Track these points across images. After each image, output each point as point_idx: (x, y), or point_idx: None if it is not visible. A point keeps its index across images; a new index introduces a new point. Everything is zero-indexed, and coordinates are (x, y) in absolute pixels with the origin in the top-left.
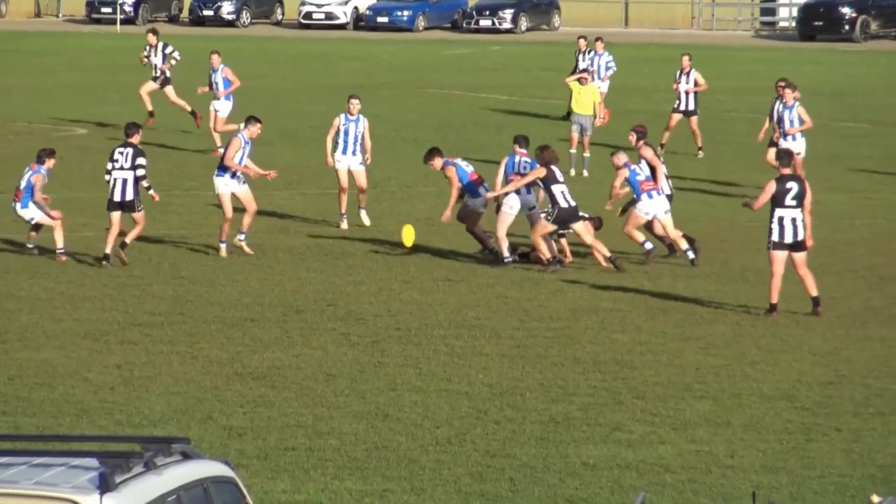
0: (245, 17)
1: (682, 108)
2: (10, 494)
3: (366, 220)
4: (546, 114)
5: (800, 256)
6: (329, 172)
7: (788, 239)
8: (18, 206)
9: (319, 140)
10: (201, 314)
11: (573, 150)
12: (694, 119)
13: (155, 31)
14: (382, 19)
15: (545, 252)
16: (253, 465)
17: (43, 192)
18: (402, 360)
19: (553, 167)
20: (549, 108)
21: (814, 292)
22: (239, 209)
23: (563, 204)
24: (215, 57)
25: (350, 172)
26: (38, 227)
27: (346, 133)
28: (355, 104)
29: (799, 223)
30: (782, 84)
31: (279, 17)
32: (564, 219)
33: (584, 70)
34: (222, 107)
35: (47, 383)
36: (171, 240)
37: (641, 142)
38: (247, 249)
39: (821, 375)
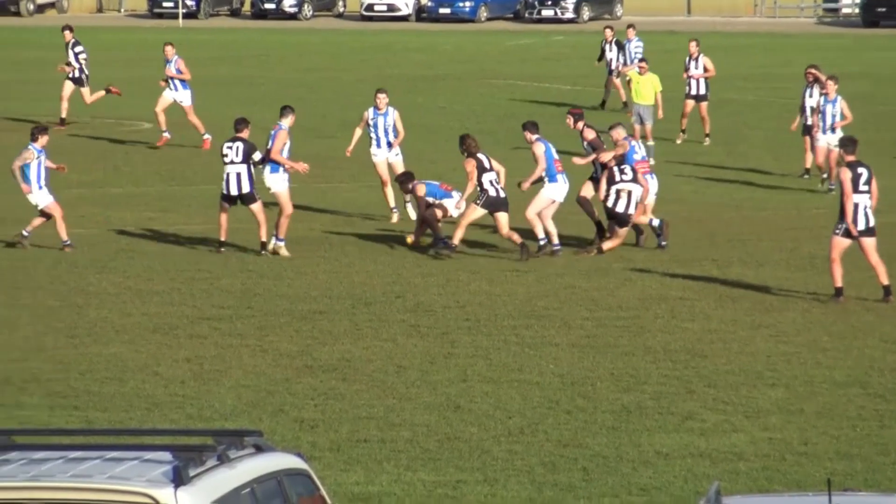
0: (307, 9)
1: (693, 93)
2: (84, 489)
3: (412, 214)
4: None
5: (870, 243)
6: (357, 162)
7: (861, 226)
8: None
9: None
10: (270, 307)
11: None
12: (704, 105)
13: (69, 28)
14: (444, 10)
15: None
16: (325, 458)
17: (46, 166)
18: (472, 351)
19: (480, 155)
20: (611, 98)
21: (885, 281)
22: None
23: (492, 192)
24: (168, 48)
25: (389, 165)
26: (46, 216)
27: (376, 127)
28: (382, 98)
29: (869, 210)
30: (812, 71)
31: (341, 10)
32: (492, 205)
33: (629, 60)
34: (184, 97)
35: (118, 377)
36: (240, 234)
37: (581, 123)
38: (285, 252)
39: (892, 362)
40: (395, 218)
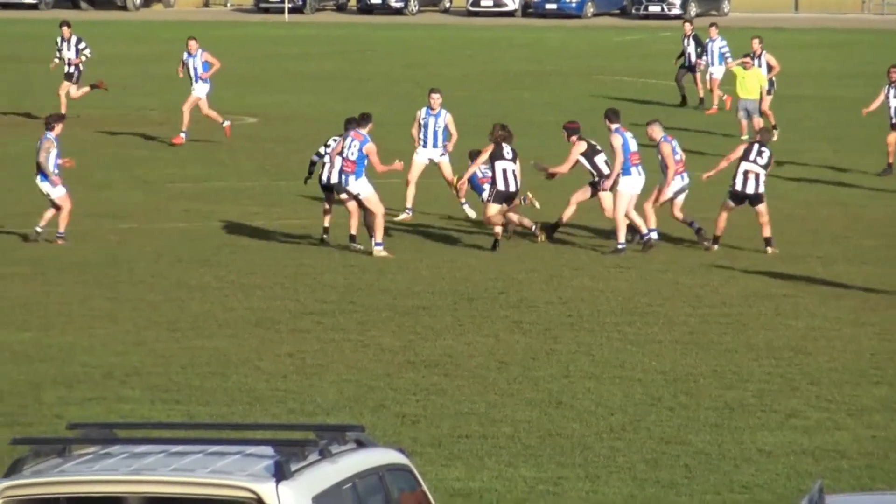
0: (413, 5)
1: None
2: (186, 483)
3: (471, 213)
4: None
5: None
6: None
7: None
8: (38, 178)
9: (487, 128)
10: (372, 302)
11: (745, 137)
12: (767, 99)
13: (68, 24)
14: (551, 6)
15: (524, 223)
16: (427, 453)
17: (59, 158)
18: (574, 347)
19: (504, 144)
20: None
21: None
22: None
23: (501, 186)
24: (192, 42)
25: (436, 164)
26: (56, 207)
27: (426, 126)
28: (436, 98)
29: None
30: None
31: (447, 5)
32: (504, 198)
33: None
34: (201, 90)
35: (220, 372)
36: (342, 229)
37: (573, 137)
38: (385, 254)
39: None
40: (403, 216)
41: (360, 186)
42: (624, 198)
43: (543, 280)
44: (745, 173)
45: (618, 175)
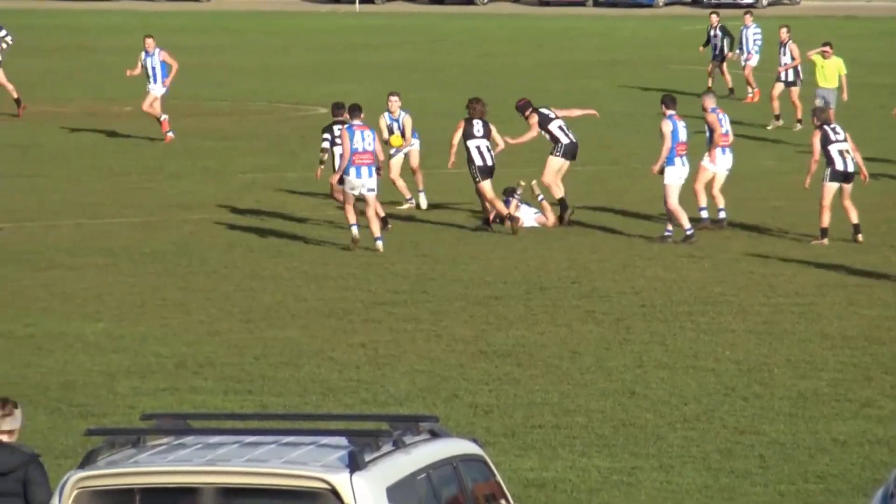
0: None
1: (783, 78)
2: (260, 473)
3: (423, 203)
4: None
5: None
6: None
7: None
8: None
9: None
10: (445, 292)
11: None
12: (794, 90)
13: None
14: None
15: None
16: (500, 443)
17: None
18: (647, 337)
19: (475, 121)
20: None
21: None
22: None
23: (479, 162)
24: (149, 40)
25: (409, 153)
26: None
27: (391, 132)
28: (394, 101)
29: None
30: None
31: None
32: (489, 173)
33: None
34: (159, 90)
35: (292, 362)
36: (414, 219)
37: (528, 111)
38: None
39: None
40: (407, 205)
41: (376, 181)
42: (670, 188)
43: (615, 270)
44: (840, 153)
45: (663, 162)
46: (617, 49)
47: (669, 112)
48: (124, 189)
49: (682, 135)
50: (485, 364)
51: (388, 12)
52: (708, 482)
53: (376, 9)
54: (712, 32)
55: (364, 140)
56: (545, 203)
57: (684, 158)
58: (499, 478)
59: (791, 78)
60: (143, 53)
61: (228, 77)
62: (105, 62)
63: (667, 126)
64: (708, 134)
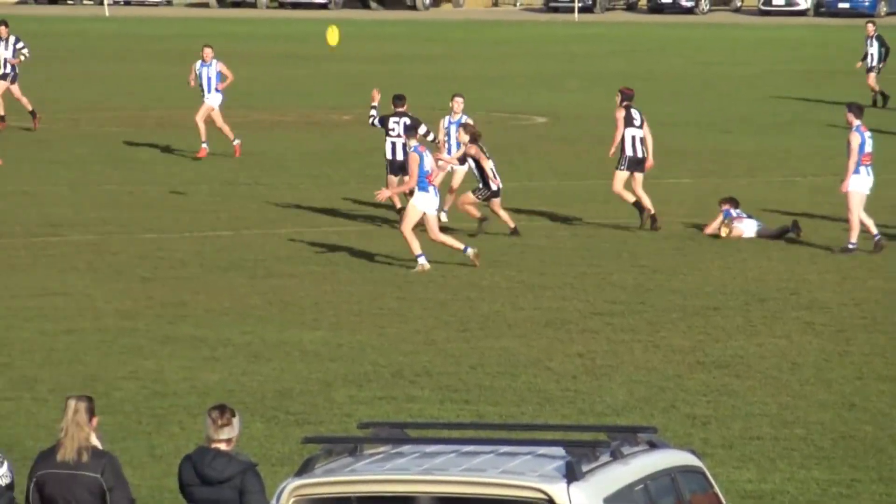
0: (704, 4)
1: (869, 64)
2: (477, 483)
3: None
4: None
5: None
6: (747, 156)
7: None
8: None
9: (781, 127)
10: (662, 302)
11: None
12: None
13: (5, 24)
14: (843, 5)
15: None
16: (717, 455)
17: None
18: (868, 349)
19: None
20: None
21: None
22: None
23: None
24: (208, 50)
25: (453, 171)
26: None
27: (449, 134)
28: (459, 102)
29: None
30: None
31: (738, 4)
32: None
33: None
34: (215, 100)
35: (509, 372)
36: (630, 229)
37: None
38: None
39: None
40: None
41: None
42: (855, 197)
43: (836, 281)
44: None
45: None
46: (835, 59)
47: (857, 122)
48: (342, 197)
49: (869, 146)
50: (702, 375)
51: (607, 21)
52: None
53: (595, 18)
54: (868, 43)
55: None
56: None
57: (869, 168)
58: (717, 489)
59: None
60: (198, 63)
61: (447, 86)
62: (323, 71)
63: (855, 140)
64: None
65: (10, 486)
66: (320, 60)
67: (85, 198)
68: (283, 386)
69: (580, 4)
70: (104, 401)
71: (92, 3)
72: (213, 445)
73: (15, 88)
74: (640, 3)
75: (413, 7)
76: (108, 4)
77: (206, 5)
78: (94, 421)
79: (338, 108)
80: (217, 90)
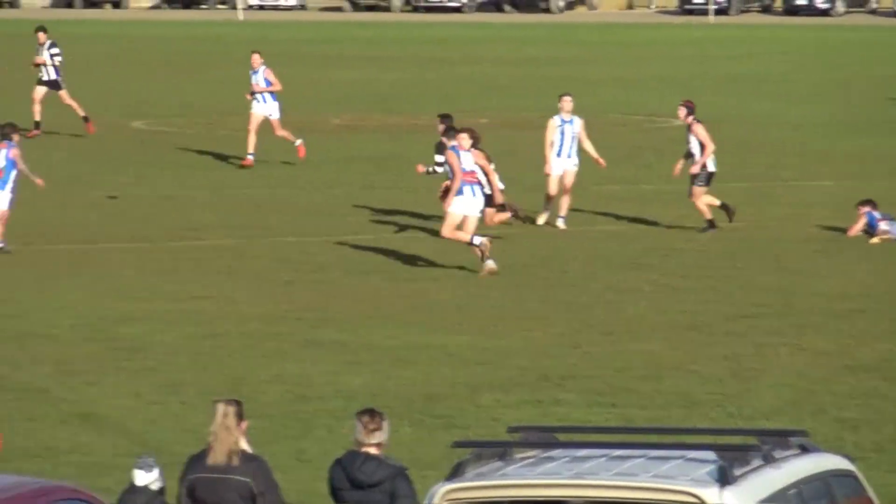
0: (839, 5)
1: None
2: (628, 487)
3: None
4: None
5: None
6: None
7: None
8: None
9: None
10: (807, 305)
11: None
12: None
13: (44, 29)
14: None
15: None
16: (869, 459)
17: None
18: None
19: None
20: None
21: None
22: None
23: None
24: (256, 57)
25: (563, 173)
26: None
27: (563, 135)
28: (567, 102)
29: None
30: None
31: (874, 6)
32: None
33: None
34: (272, 109)
35: (654, 375)
36: (773, 230)
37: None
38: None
39: None
40: (540, 220)
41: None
42: None
43: None
44: None
45: None
46: None
47: None
48: None
49: None
50: (850, 378)
51: (742, 23)
52: None
53: (730, 20)
54: None
55: (465, 160)
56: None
57: None
58: (871, 493)
59: None
60: (251, 71)
61: (582, 89)
62: (457, 74)
63: None
64: None
65: (161, 491)
66: (455, 64)
67: (225, 201)
68: (429, 390)
69: (715, 7)
70: (250, 405)
71: (226, 7)
72: (363, 449)
73: (64, 94)
74: (775, 4)
75: (547, 10)
76: (243, 9)
77: (339, 9)
78: (243, 425)
79: (473, 112)
80: (273, 97)
